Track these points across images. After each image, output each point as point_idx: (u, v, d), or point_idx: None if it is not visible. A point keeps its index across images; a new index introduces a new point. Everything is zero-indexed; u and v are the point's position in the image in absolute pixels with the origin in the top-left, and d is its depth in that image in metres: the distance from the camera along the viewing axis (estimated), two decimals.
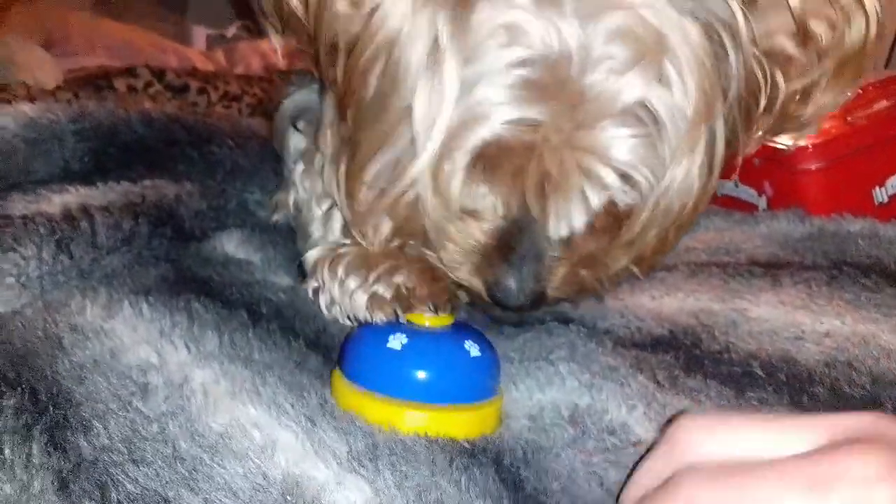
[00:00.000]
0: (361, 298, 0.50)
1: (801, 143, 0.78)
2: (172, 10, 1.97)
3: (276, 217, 0.65)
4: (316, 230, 0.60)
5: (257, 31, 1.96)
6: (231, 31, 1.84)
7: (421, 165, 0.45)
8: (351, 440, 0.39)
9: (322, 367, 0.48)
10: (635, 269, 0.52)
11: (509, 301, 0.48)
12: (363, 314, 0.50)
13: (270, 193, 0.75)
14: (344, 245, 0.55)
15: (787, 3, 0.48)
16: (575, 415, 0.43)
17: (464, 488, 0.37)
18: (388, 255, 0.52)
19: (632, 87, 0.44)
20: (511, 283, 0.47)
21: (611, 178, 0.45)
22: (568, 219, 0.47)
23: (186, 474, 0.37)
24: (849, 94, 0.51)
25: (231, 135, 0.78)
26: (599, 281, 0.51)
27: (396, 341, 0.43)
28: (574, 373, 0.46)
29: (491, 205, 0.49)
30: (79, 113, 0.72)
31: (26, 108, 0.72)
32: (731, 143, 0.49)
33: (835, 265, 0.59)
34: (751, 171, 0.83)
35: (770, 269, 0.60)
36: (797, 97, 0.52)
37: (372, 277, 0.50)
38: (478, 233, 0.49)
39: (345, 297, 0.51)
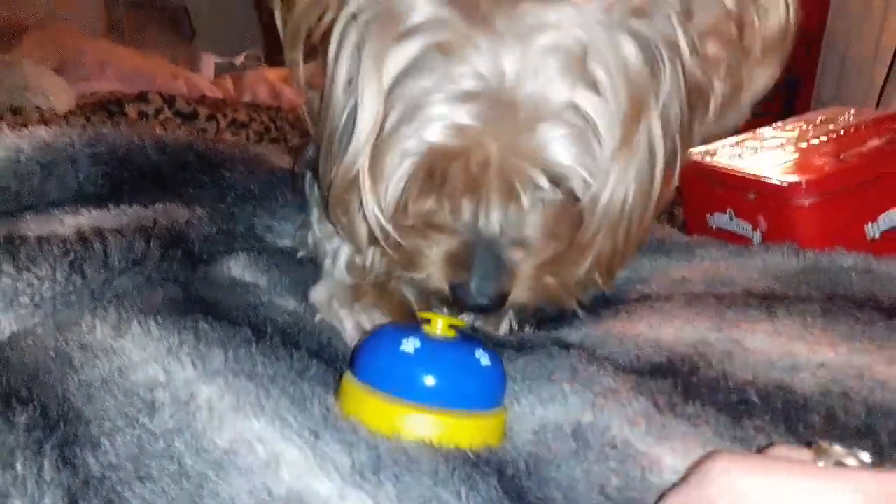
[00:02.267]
0: (349, 324, 0.57)
1: (794, 178, 0.80)
2: (182, 38, 2.01)
3: (300, 254, 0.69)
4: (327, 265, 0.65)
5: (265, 61, 2.00)
6: (239, 59, 1.88)
7: (355, 155, 0.50)
8: (354, 452, 0.40)
9: (325, 374, 0.49)
10: (598, 280, 0.57)
11: (470, 301, 0.52)
12: (351, 338, 0.56)
13: (279, 219, 0.77)
14: (345, 281, 0.60)
15: (724, 6, 0.53)
16: (577, 430, 0.44)
17: (464, 499, 0.38)
18: (375, 292, 0.58)
19: (561, 92, 0.48)
20: (472, 284, 0.52)
21: (541, 179, 0.50)
22: (496, 219, 0.51)
23: (192, 491, 0.38)
24: (776, 75, 0.57)
25: (241, 161, 0.80)
26: (565, 289, 0.55)
27: (410, 345, 0.44)
28: (577, 392, 0.47)
29: (444, 216, 0.54)
30: (94, 137, 0.74)
31: (42, 132, 0.74)
32: (672, 149, 0.54)
33: (829, 298, 0.60)
34: (745, 206, 0.85)
35: (765, 301, 0.61)
36: (731, 92, 0.57)
37: (357, 308, 0.57)
38: (442, 242, 0.53)
39: (335, 322, 0.57)
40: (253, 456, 0.40)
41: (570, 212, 0.52)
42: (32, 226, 0.64)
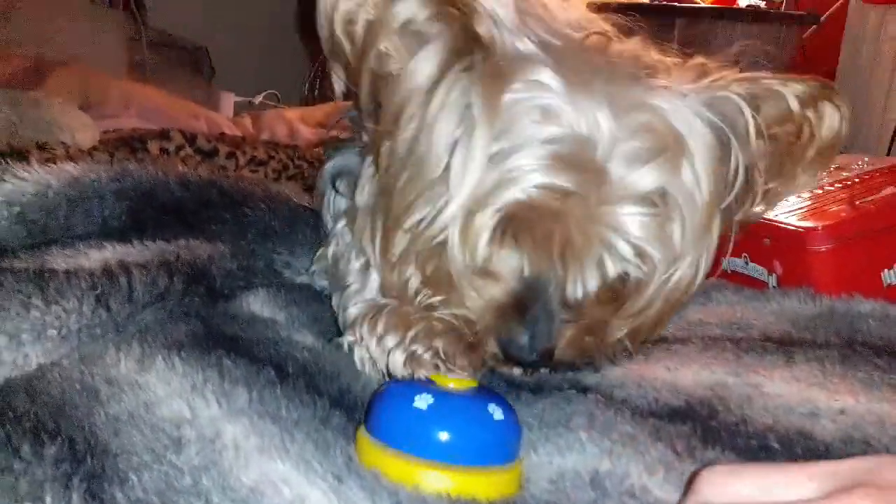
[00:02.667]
0: (400, 357, 0.52)
1: (810, 224, 0.81)
2: (202, 78, 2.06)
3: (313, 268, 0.69)
4: (353, 282, 0.63)
5: (282, 99, 2.05)
6: (258, 98, 1.92)
7: (451, 214, 0.50)
8: (377, 499, 0.40)
9: (346, 425, 0.49)
10: (628, 344, 0.57)
11: (522, 356, 0.52)
12: (401, 372, 0.52)
13: (298, 256, 0.78)
14: (382, 302, 0.57)
15: (787, 106, 0.55)
16: (595, 479, 0.44)
17: None
18: (424, 317, 0.55)
19: (651, 175, 0.50)
20: (524, 339, 0.51)
21: (626, 250, 0.51)
22: (584, 283, 0.52)
23: None
24: (822, 176, 0.61)
25: (263, 198, 0.81)
26: (599, 350, 0.56)
27: (423, 401, 0.44)
28: (594, 440, 0.47)
29: (511, 267, 0.53)
30: (120, 173, 0.76)
31: (70, 168, 0.76)
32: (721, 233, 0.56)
33: (847, 344, 0.60)
34: (761, 251, 0.85)
35: (783, 346, 0.62)
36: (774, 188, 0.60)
37: (409, 336, 0.53)
38: (497, 292, 0.53)
39: (383, 354, 0.53)
40: (279, 497, 0.40)
41: (623, 282, 0.53)
42: (59, 259, 0.65)
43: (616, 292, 0.54)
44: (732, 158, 0.54)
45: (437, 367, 0.51)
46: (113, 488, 0.40)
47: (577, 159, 0.49)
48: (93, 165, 0.79)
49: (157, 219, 0.75)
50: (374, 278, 0.60)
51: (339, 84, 0.59)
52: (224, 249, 0.72)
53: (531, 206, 0.49)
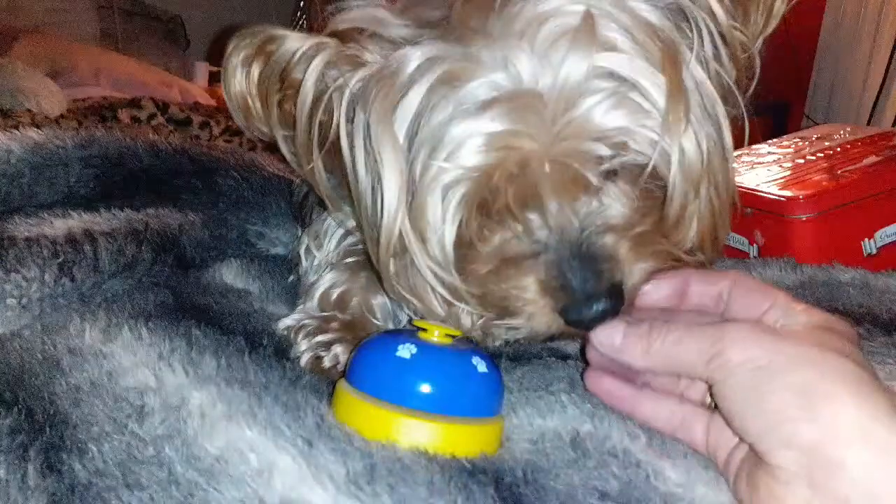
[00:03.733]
0: (307, 356, 0.54)
1: (792, 193, 0.81)
2: (176, 46, 2.01)
3: (290, 278, 0.68)
4: (301, 297, 0.63)
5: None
6: None
7: (390, 226, 0.47)
8: (349, 461, 0.39)
9: (318, 383, 0.48)
10: (703, 256, 0.51)
11: (587, 315, 0.46)
12: (303, 368, 0.53)
13: (272, 226, 0.76)
14: (313, 314, 0.58)
15: None
16: (576, 440, 0.43)
17: None
18: (343, 329, 0.56)
19: (580, 62, 0.44)
20: (577, 296, 0.46)
21: (599, 148, 0.45)
22: (575, 214, 0.47)
23: (182, 499, 0.37)
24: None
25: (235, 167, 0.79)
26: (675, 257, 0.49)
27: (406, 350, 0.43)
28: (575, 402, 0.46)
29: (518, 244, 0.49)
30: (86, 140, 0.73)
31: (33, 134, 0.73)
32: (729, 100, 0.50)
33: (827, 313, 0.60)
34: (742, 221, 0.85)
35: None
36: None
37: (316, 342, 0.55)
38: (527, 273, 0.48)
39: (297, 353, 0.55)
40: (245, 464, 0.39)
41: (650, 183, 0.48)
42: (21, 228, 0.63)
43: (650, 203, 0.49)
44: (693, 23, 0.49)
45: (332, 372, 0.52)
46: (72, 459, 0.38)
47: (502, 95, 0.45)
48: (58, 132, 0.76)
49: (126, 187, 0.73)
50: (317, 294, 0.60)
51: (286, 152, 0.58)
52: (195, 219, 0.70)
53: (481, 168, 0.45)
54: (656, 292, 0.48)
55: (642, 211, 0.49)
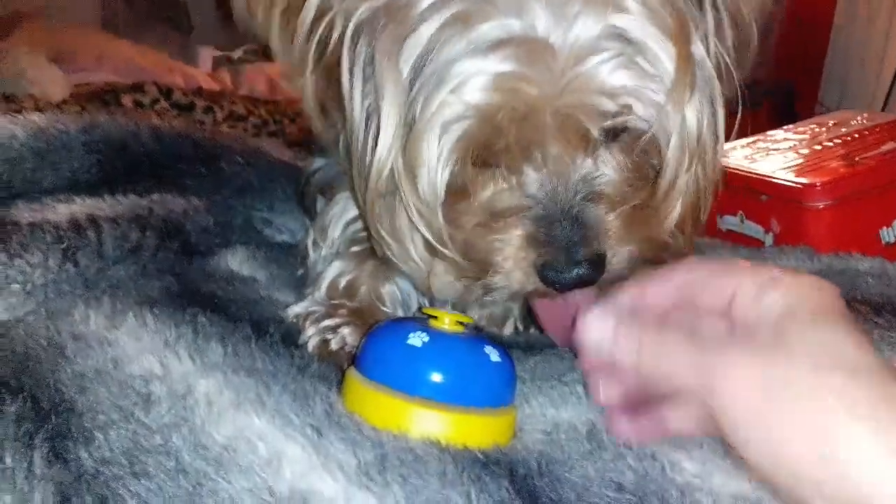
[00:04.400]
0: (314, 340, 0.54)
1: (808, 180, 0.79)
2: (179, 31, 1.99)
3: (299, 272, 0.67)
4: (309, 287, 0.62)
5: (263, 55, 1.99)
6: (237, 53, 1.86)
7: (382, 163, 0.47)
8: (359, 451, 0.38)
9: (326, 371, 0.48)
10: (680, 239, 0.51)
11: (566, 276, 0.45)
12: (311, 352, 0.53)
13: (277, 213, 0.75)
14: (321, 303, 0.58)
15: None
16: (592, 431, 0.42)
17: (474, 500, 0.36)
18: (349, 313, 0.56)
19: (594, 21, 0.44)
20: (561, 255, 0.45)
21: (605, 103, 0.44)
22: (576, 167, 0.46)
23: (190, 489, 0.36)
24: None
25: (240, 153, 0.78)
26: (657, 241, 0.49)
27: (417, 339, 0.42)
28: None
29: (510, 197, 0.48)
30: (89, 124, 0.72)
31: (35, 118, 0.72)
32: (724, 79, 0.50)
33: (846, 303, 0.59)
34: (757, 208, 0.83)
35: None
36: None
37: (323, 327, 0.54)
38: (513, 228, 0.47)
39: (305, 339, 0.54)
40: (253, 453, 0.38)
41: (643, 158, 0.48)
42: (24, 213, 0.62)
43: (643, 172, 0.49)
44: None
45: (340, 355, 0.52)
46: (78, 447, 0.38)
47: (514, 38, 0.44)
48: (61, 116, 0.75)
49: (129, 172, 0.72)
50: (325, 283, 0.60)
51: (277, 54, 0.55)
52: (199, 204, 0.69)
53: (484, 108, 0.44)
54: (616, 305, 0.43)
55: (632, 180, 0.49)
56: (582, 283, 0.46)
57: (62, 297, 0.52)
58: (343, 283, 0.59)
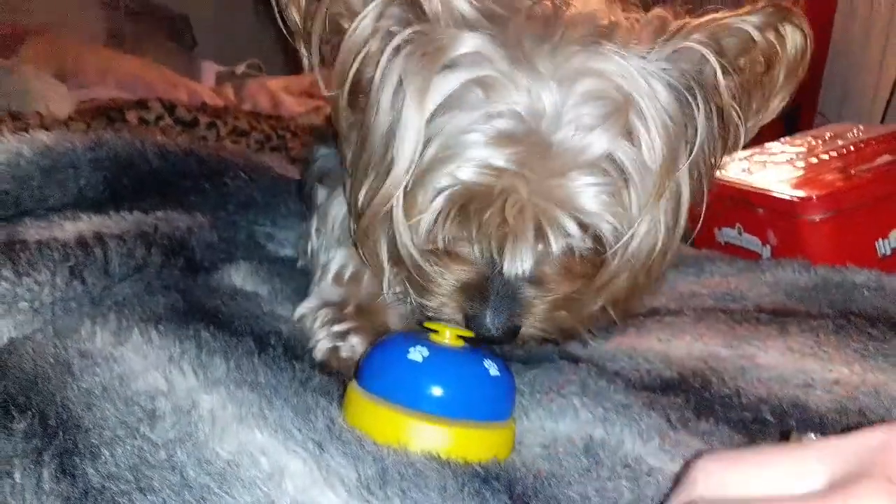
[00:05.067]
0: (324, 346, 0.56)
1: (805, 193, 0.80)
2: (182, 46, 2.01)
3: (300, 263, 0.68)
4: (316, 279, 0.64)
5: (266, 69, 2.00)
6: (240, 68, 1.88)
7: (389, 189, 0.50)
8: (360, 465, 0.39)
9: (328, 385, 0.48)
10: (612, 313, 0.56)
11: (483, 333, 0.52)
12: (320, 358, 0.55)
13: (280, 228, 0.76)
14: (330, 300, 0.60)
15: (748, 35, 0.54)
16: (589, 446, 0.43)
17: None
18: (358, 315, 0.58)
19: (599, 142, 0.48)
20: (486, 317, 0.52)
21: (571, 226, 0.50)
22: (523, 262, 0.51)
23: (194, 503, 0.37)
24: (788, 100, 0.58)
25: (244, 168, 0.79)
26: (578, 322, 0.55)
27: (417, 353, 0.43)
28: (587, 406, 0.46)
29: (468, 248, 0.53)
30: (95, 142, 0.73)
31: (43, 136, 0.73)
32: (695, 191, 0.55)
33: (841, 315, 0.59)
34: (755, 221, 0.84)
35: (777, 317, 0.61)
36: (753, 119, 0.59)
37: (334, 332, 0.56)
38: (459, 272, 0.53)
39: (314, 342, 0.56)
40: (256, 468, 0.38)
41: (592, 255, 0.53)
42: (32, 231, 0.63)
43: (587, 266, 0.54)
44: (698, 110, 0.52)
45: (348, 364, 0.53)
46: (84, 463, 0.38)
47: (520, 134, 0.48)
48: (67, 134, 0.76)
49: (135, 189, 0.73)
50: (330, 276, 0.62)
51: (306, 57, 0.58)
52: (204, 221, 0.70)
53: (476, 189, 0.49)
54: None
55: (573, 272, 0.54)
56: (492, 342, 0.53)
57: (69, 315, 0.53)
58: (348, 273, 0.61)
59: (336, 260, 0.62)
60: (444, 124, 0.49)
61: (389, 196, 0.50)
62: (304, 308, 0.59)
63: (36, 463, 0.37)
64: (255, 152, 1.08)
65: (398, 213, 0.51)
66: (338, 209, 0.65)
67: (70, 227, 0.63)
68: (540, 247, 0.52)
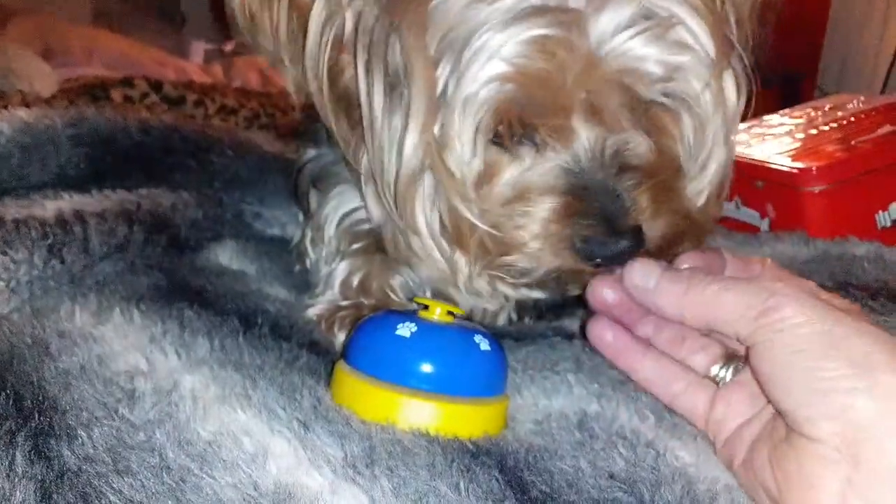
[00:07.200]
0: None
1: (804, 165, 0.78)
2: (171, 25, 1.98)
3: (296, 268, 0.66)
4: (319, 287, 0.61)
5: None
6: (229, 46, 1.85)
7: (417, 124, 0.45)
8: (346, 444, 0.37)
9: (315, 364, 0.47)
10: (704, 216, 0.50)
11: (609, 249, 0.44)
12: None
13: (268, 206, 0.74)
14: (341, 304, 0.57)
15: None
16: (583, 421, 0.42)
17: (463, 492, 0.35)
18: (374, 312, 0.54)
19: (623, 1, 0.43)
20: (604, 224, 0.44)
21: (653, 67, 0.43)
22: (607, 139, 0.45)
23: (174, 485, 0.35)
24: None
25: (230, 146, 0.77)
26: (686, 219, 0.48)
27: (405, 329, 0.42)
28: (582, 382, 0.45)
29: (539, 174, 0.46)
30: (76, 118, 0.71)
31: (22, 113, 0.71)
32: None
33: (841, 287, 0.58)
34: (753, 194, 0.83)
35: None
36: None
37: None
38: (540, 210, 0.46)
39: (339, 344, 0.53)
40: (239, 449, 0.37)
41: (667, 137, 0.48)
42: (11, 210, 0.61)
43: (667, 149, 0.48)
44: None
45: None
46: (61, 445, 0.37)
47: (548, 10, 0.42)
48: (47, 111, 0.74)
49: (117, 166, 0.71)
50: (337, 281, 0.59)
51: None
52: (188, 198, 0.68)
53: (519, 78, 0.43)
54: (689, 261, 0.43)
55: (660, 162, 0.47)
56: (626, 255, 0.43)
57: (48, 294, 0.52)
58: (356, 281, 0.59)
59: (340, 270, 0.60)
60: (459, 38, 0.43)
61: (415, 150, 0.45)
62: (316, 310, 0.57)
63: (9, 444, 0.36)
64: (243, 129, 1.06)
65: (437, 158, 0.44)
66: (332, 215, 0.63)
67: (50, 206, 0.62)
68: (617, 122, 0.45)
